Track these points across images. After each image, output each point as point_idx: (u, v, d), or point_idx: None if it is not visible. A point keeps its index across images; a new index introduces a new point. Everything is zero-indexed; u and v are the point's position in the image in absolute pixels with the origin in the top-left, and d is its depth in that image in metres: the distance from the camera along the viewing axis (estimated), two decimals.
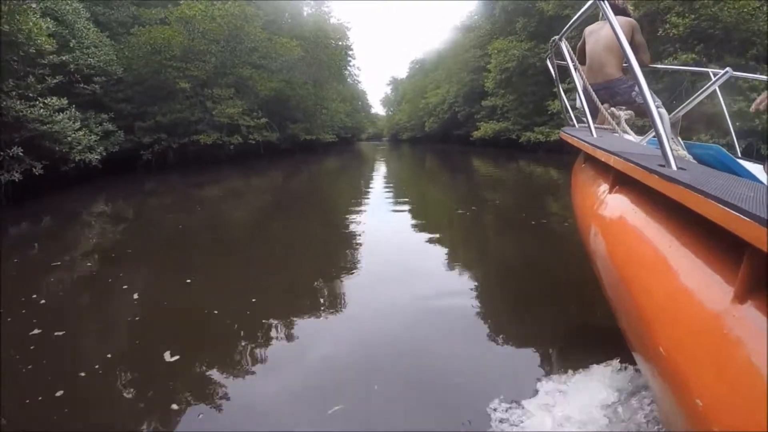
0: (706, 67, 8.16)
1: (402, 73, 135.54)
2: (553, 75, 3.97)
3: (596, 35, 3.99)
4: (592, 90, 3.45)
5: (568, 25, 2.99)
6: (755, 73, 3.83)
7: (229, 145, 21.23)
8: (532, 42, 26.40)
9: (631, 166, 1.67)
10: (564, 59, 3.29)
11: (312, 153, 31.49)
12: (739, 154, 3.33)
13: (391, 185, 15.67)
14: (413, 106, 63.81)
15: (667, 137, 1.58)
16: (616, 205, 1.99)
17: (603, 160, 2.13)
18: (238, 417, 2.74)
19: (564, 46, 3.19)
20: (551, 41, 3.46)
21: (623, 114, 3.46)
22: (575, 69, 3.24)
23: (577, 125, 3.92)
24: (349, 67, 42.30)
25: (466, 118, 39.56)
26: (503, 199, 11.92)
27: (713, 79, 3.04)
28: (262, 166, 22.40)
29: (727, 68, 2.81)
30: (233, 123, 21.17)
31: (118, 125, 17.13)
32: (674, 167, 1.49)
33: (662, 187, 1.38)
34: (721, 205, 1.05)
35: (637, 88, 3.05)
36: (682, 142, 2.99)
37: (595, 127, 2.95)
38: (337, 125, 39.22)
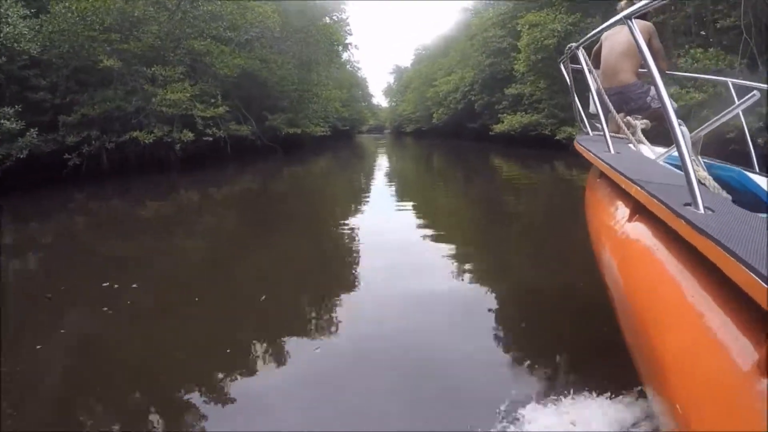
0: None
1: (406, 61, 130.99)
2: (568, 81, 3.84)
3: (612, 39, 4.03)
4: (606, 95, 3.46)
5: (588, 36, 3.05)
6: None
7: (178, 143, 16.00)
8: (576, 14, 21.17)
9: (654, 202, 1.62)
10: (579, 65, 3.19)
11: (298, 151, 26.20)
12: (757, 168, 3.30)
13: (394, 211, 10.67)
14: (419, 96, 58.31)
15: (692, 168, 1.51)
16: (635, 236, 1.92)
17: (623, 186, 2.08)
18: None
19: (581, 54, 3.13)
20: (567, 48, 3.45)
21: (639, 124, 3.53)
22: (590, 73, 3.11)
23: (591, 133, 3.87)
24: (347, 49, 37.06)
25: (484, 108, 34.14)
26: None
27: (731, 89, 3.29)
28: (224, 174, 17.41)
29: (754, 91, 2.56)
30: (187, 114, 16.03)
31: (34, 121, 13.20)
32: (701, 208, 1.44)
33: (688, 235, 1.32)
34: (751, 273, 1.00)
35: (652, 93, 3.72)
36: (702, 161, 2.76)
37: (611, 136, 2.90)
38: (332, 116, 33.85)
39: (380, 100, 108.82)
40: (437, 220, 9.31)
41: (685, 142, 1.82)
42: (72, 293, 5.29)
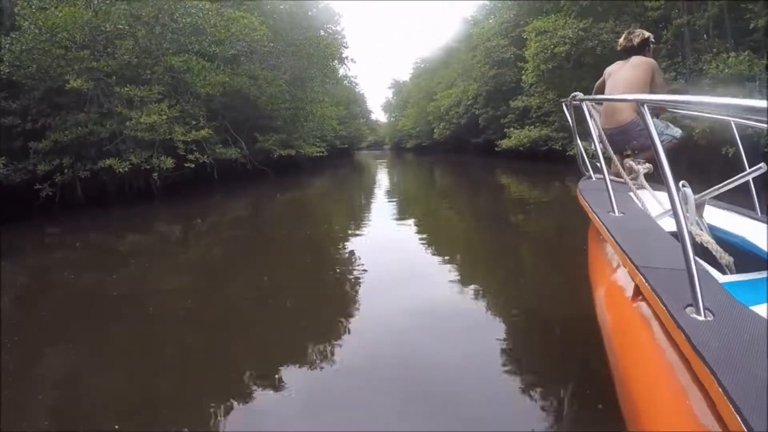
0: None
1: (404, 75, 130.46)
2: (570, 122, 3.80)
3: (615, 77, 4.09)
4: (605, 137, 3.55)
5: (593, 97, 3.50)
6: None
7: (158, 170, 14.50)
8: (587, 19, 19.85)
9: (655, 298, 1.59)
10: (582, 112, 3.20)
11: (293, 174, 24.72)
12: (758, 210, 3.15)
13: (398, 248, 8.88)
14: (419, 111, 57.27)
15: (694, 263, 1.44)
16: (637, 322, 1.84)
17: (622, 264, 2.10)
18: None
19: (585, 105, 3.12)
20: (572, 95, 3.31)
21: (642, 168, 3.56)
22: (592, 119, 3.14)
23: (593, 176, 3.84)
24: (343, 63, 35.68)
25: (489, 122, 32.83)
26: None
27: (733, 128, 3.12)
28: (210, 202, 15.97)
29: (761, 164, 2.53)
30: (167, 138, 14.59)
31: (2, 148, 12.57)
32: (701, 311, 1.40)
33: (683, 346, 1.33)
34: (733, 411, 1.03)
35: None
36: (706, 224, 2.72)
37: (612, 180, 2.92)
38: (329, 134, 32.48)
39: (379, 115, 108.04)
40: (443, 247, 8.65)
41: (688, 205, 2.46)
42: (51, 334, 5.06)
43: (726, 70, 14.36)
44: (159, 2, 14.59)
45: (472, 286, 6.04)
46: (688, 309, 1.44)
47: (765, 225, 2.86)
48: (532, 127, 26.00)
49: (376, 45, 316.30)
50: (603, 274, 2.61)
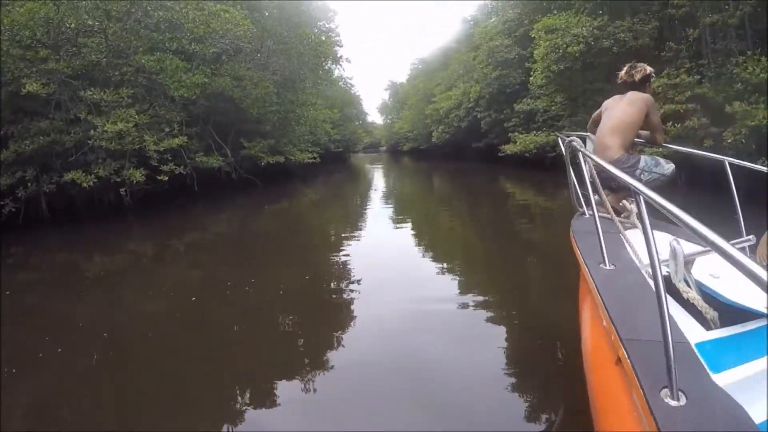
0: None
1: (401, 76, 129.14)
2: (565, 157, 3.87)
3: (610, 113, 4.08)
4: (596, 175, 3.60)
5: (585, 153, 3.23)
6: None
7: (128, 183, 13.05)
8: (602, 18, 18.41)
9: (634, 378, 1.63)
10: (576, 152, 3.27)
11: (283, 182, 23.23)
12: (744, 233, 3.30)
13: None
14: (416, 113, 55.78)
15: (672, 346, 1.50)
16: (618, 389, 1.93)
17: (607, 329, 2.09)
18: None
19: (579, 146, 3.24)
20: (569, 140, 3.47)
21: (633, 208, 3.55)
22: (585, 162, 3.09)
23: (587, 212, 3.74)
24: (338, 63, 34.18)
25: (492, 126, 31.36)
26: None
27: (728, 168, 3.32)
28: (190, 217, 14.59)
29: (751, 236, 2.86)
30: (139, 147, 13.11)
31: None
32: (675, 395, 1.46)
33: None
34: None
35: (642, 165, 3.86)
36: (694, 279, 2.62)
37: (600, 216, 2.89)
38: (323, 138, 30.98)
39: (375, 117, 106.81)
40: (444, 261, 8.58)
41: (677, 262, 2.35)
42: (13, 366, 4.73)
43: (762, 75, 13.03)
44: None
45: (479, 312, 5.83)
46: (663, 392, 1.49)
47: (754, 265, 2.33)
48: (539, 131, 24.57)
49: (372, 45, 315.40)
50: (592, 327, 2.67)
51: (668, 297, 2.03)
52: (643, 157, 3.98)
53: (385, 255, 9.24)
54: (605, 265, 2.61)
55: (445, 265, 8.34)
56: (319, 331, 5.48)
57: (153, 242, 11.62)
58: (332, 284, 7.56)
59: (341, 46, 35.85)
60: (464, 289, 6.83)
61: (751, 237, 2.77)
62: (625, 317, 2.01)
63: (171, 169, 13.57)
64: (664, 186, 4.02)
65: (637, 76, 4.06)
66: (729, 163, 3.42)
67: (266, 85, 17.48)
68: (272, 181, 21.69)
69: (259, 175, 20.12)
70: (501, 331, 5.29)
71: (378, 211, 15.88)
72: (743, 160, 3.25)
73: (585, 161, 3.03)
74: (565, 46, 18.67)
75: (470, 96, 33.27)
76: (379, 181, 32.10)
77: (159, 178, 13.33)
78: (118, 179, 12.95)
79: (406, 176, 35.65)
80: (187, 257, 10.23)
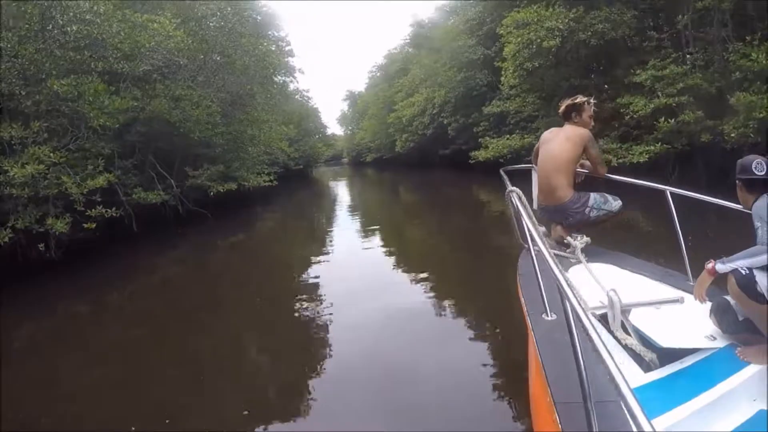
0: None
1: (359, 86, 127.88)
2: (512, 210, 3.53)
3: (547, 148, 4.20)
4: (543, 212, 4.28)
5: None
6: None
7: (51, 233, 10.90)
8: (577, 9, 16.96)
9: None
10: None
11: (237, 210, 21.07)
12: (690, 274, 3.52)
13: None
14: (378, 123, 54.21)
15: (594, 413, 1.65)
16: None
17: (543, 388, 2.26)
18: None
19: (515, 195, 3.30)
20: (509, 191, 3.46)
21: (579, 244, 3.93)
22: (527, 215, 3.06)
23: (533, 248, 3.22)
24: (291, 75, 32.39)
25: (459, 132, 29.87)
26: None
27: (669, 199, 3.54)
28: (128, 265, 12.42)
29: (682, 296, 3.00)
30: (60, 191, 10.99)
31: None
32: None
33: None
34: None
35: (591, 203, 4.07)
36: (632, 325, 2.91)
37: (548, 252, 2.67)
38: (281, 157, 28.87)
39: (335, 128, 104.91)
40: (419, 280, 8.41)
41: (614, 312, 2.79)
42: None
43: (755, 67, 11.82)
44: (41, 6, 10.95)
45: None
46: None
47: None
48: (512, 135, 23.09)
49: (327, 55, 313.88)
50: (534, 379, 2.71)
51: (612, 341, 2.73)
52: (592, 195, 4.13)
53: (355, 278, 9.03)
54: (547, 315, 2.68)
55: (418, 280, 8.37)
56: (294, 358, 5.67)
57: (86, 300, 9.58)
58: (300, 315, 7.34)
59: (293, 56, 34.11)
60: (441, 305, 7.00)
61: (682, 297, 2.97)
62: (560, 380, 2.09)
63: (100, 213, 11.43)
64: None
65: (561, 109, 4.30)
66: (671, 194, 3.58)
67: (208, 105, 15.44)
68: (227, 211, 19.65)
69: (210, 205, 18.03)
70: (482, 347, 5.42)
71: (344, 231, 15.39)
72: (756, 157, 2.86)
73: (529, 223, 2.98)
74: (539, 41, 17.18)
75: (435, 101, 31.69)
76: (343, 197, 30.69)
77: (85, 225, 11.16)
78: (41, 229, 10.80)
79: (370, 190, 34.81)
80: (128, 313, 8.71)
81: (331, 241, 13.87)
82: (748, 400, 2.43)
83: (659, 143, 14.41)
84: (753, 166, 2.78)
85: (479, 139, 25.34)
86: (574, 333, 1.88)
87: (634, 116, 14.84)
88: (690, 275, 3.51)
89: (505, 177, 4.38)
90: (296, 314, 7.31)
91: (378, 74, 63.23)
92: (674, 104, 13.62)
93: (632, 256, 4.16)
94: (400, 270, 9.58)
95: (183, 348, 6.37)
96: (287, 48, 28.12)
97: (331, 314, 6.94)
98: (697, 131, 13.48)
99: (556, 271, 2.54)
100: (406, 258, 10.62)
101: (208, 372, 5.49)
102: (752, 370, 2.52)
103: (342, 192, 36.27)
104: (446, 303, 6.96)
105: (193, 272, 11.76)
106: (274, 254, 13.60)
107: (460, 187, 24.44)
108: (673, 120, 13.65)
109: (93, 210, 11.28)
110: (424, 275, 8.58)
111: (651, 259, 4.19)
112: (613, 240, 5.39)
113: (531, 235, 2.90)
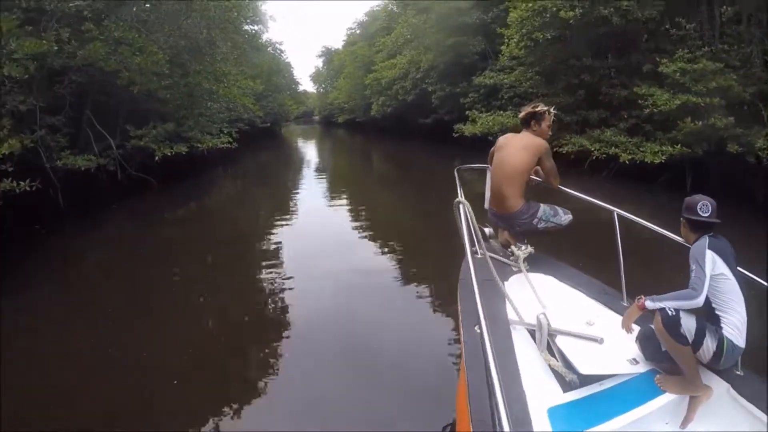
0: None
1: (336, 42, 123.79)
2: (460, 222, 3.49)
3: (502, 155, 4.20)
4: (494, 217, 4.40)
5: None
6: None
7: None
8: None
9: None
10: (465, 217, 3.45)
11: (191, 176, 18.57)
12: (624, 296, 3.74)
13: None
14: (353, 83, 51.19)
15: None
16: None
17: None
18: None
19: (462, 208, 3.47)
20: (457, 201, 3.62)
21: (521, 254, 4.05)
22: (472, 230, 3.43)
23: (479, 251, 3.72)
24: (260, 24, 29.35)
25: (443, 101, 27.59)
26: None
27: (616, 221, 3.74)
28: (52, 249, 9.90)
29: (603, 337, 3.09)
30: None
31: None
32: None
33: None
34: None
35: (539, 214, 4.13)
36: (557, 347, 3.06)
37: (491, 258, 3.51)
38: (245, 115, 26.02)
39: (308, 86, 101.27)
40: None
41: (542, 333, 2.96)
42: None
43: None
44: None
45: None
46: None
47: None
48: (503, 111, 20.95)
49: (302, 5, 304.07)
50: (461, 394, 2.89)
51: (538, 358, 2.94)
52: (542, 206, 4.19)
53: (319, 252, 9.08)
54: (479, 328, 2.61)
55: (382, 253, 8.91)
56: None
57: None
58: (262, 288, 7.48)
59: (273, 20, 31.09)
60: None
61: (600, 338, 3.08)
62: (481, 399, 2.27)
63: (9, 187, 8.93)
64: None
65: (521, 114, 4.34)
66: (618, 216, 3.79)
67: (154, 52, 12.77)
68: (180, 176, 17.16)
69: (159, 170, 15.49)
70: None
71: (308, 204, 14.54)
72: (703, 198, 3.06)
73: (467, 223, 3.28)
74: (554, 9, 14.93)
75: (420, 65, 28.97)
76: (311, 161, 29.05)
77: None
78: None
79: (341, 156, 33.40)
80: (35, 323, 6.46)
81: (292, 216, 13.11)
82: (661, 425, 2.78)
83: (678, 145, 12.54)
84: (698, 207, 3.03)
85: (466, 112, 23.12)
86: (488, 351, 2.03)
87: (655, 110, 12.83)
88: (625, 296, 3.71)
89: (457, 178, 4.61)
90: (256, 288, 7.53)
91: (357, 31, 59.85)
92: (703, 104, 11.73)
93: (573, 268, 4.20)
94: (366, 246, 9.73)
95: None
96: None
97: (292, 282, 7.41)
98: (724, 138, 11.67)
99: (498, 284, 3.33)
100: (373, 234, 10.48)
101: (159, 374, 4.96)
102: (668, 397, 2.80)
103: (311, 155, 34.76)
104: (405, 277, 7.50)
105: (126, 255, 9.56)
106: (228, 229, 11.86)
107: (440, 162, 22.20)
108: (699, 122, 11.80)
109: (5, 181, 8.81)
110: (387, 249, 9.15)
111: (592, 271, 4.22)
112: (557, 246, 5.38)
113: (473, 248, 3.39)
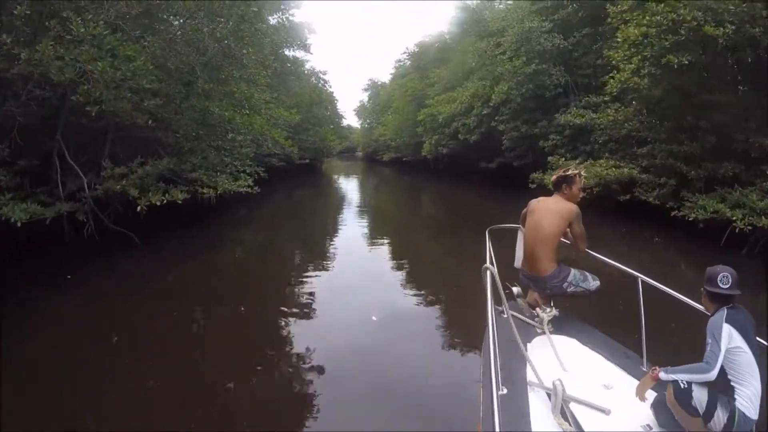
0: None
1: (383, 75, 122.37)
2: (488, 293, 3.41)
3: (535, 218, 4.41)
4: (525, 278, 4.60)
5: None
6: None
7: None
8: None
9: None
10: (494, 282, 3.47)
11: (193, 225, 14.69)
12: (645, 356, 3.83)
13: None
14: (402, 118, 47.65)
15: None
16: None
17: None
18: None
19: (489, 274, 3.42)
20: (484, 267, 3.57)
21: (546, 316, 4.20)
22: (496, 298, 3.40)
23: (505, 311, 3.88)
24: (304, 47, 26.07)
25: (517, 143, 23.33)
26: None
27: (639, 287, 3.93)
28: None
29: (610, 408, 3.12)
30: None
31: None
32: None
33: None
34: None
35: (570, 278, 4.28)
36: (571, 413, 3.08)
37: (513, 317, 3.68)
38: (275, 150, 21.84)
39: (351, 120, 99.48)
40: None
41: (557, 398, 2.99)
42: None
43: None
44: None
45: None
46: None
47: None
48: (601, 158, 16.75)
49: (347, 36, 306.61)
50: None
51: (553, 422, 2.96)
52: (572, 271, 4.35)
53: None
54: (498, 389, 2.77)
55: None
56: None
57: None
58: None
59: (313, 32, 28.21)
60: None
61: (607, 409, 3.11)
62: None
63: None
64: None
65: (552, 178, 4.58)
66: (642, 282, 3.94)
67: (130, 56, 8.90)
68: (179, 224, 13.36)
69: (147, 216, 11.47)
70: None
71: (347, 257, 12.55)
72: (725, 269, 3.10)
73: (492, 289, 3.32)
74: (695, 23, 10.88)
75: (491, 99, 24.31)
76: (354, 208, 24.58)
77: None
78: None
79: (387, 196, 31.42)
80: None
81: (325, 268, 11.60)
82: None
83: None
84: (719, 278, 3.07)
85: (548, 158, 18.93)
86: (497, 414, 2.18)
87: None
88: (645, 361, 3.82)
89: (488, 240, 4.94)
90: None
91: (407, 63, 56.52)
92: None
93: (596, 330, 4.34)
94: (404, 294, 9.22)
95: None
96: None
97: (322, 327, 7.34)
98: None
99: (521, 348, 3.48)
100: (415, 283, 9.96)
101: None
102: None
103: (352, 195, 32.08)
104: (442, 326, 7.48)
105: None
106: (244, 286, 10.06)
107: (501, 215, 17.96)
108: None
109: None
110: (426, 299, 8.85)
111: (616, 332, 4.34)
112: (582, 305, 5.47)
113: (499, 308, 3.77)
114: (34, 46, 7.99)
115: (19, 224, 8.13)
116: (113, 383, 5.59)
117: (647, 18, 12.35)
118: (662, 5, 12.00)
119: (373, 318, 6.19)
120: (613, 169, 15.54)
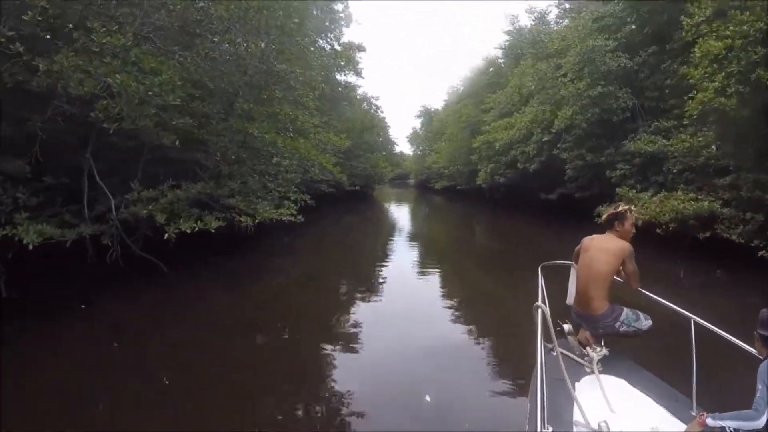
0: None
1: (436, 102, 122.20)
2: (539, 328, 3.49)
3: (588, 256, 4.40)
4: (576, 317, 4.56)
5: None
6: None
7: None
8: None
9: None
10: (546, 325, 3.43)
11: (230, 252, 14.13)
12: (694, 402, 3.71)
13: None
14: (455, 146, 46.56)
15: None
16: None
17: None
18: None
19: (540, 312, 3.42)
20: (536, 306, 3.55)
21: (596, 356, 4.15)
22: (546, 337, 3.42)
23: (556, 349, 3.70)
24: (352, 67, 25.40)
25: (581, 173, 21.67)
26: None
27: (692, 329, 3.88)
28: None
29: None
30: None
31: None
32: None
33: None
34: None
35: (622, 318, 4.26)
36: None
37: (562, 355, 3.63)
38: (322, 176, 20.94)
39: (404, 147, 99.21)
40: None
41: None
42: None
43: None
44: None
45: None
46: None
47: None
48: (671, 191, 15.27)
49: (400, 64, 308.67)
50: None
51: None
52: (625, 310, 4.32)
53: None
54: (544, 428, 2.71)
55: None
56: None
57: None
58: None
59: (363, 50, 27.56)
60: None
61: None
62: None
63: None
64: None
65: (604, 217, 4.60)
66: (695, 323, 3.85)
67: (156, 69, 8.15)
68: (212, 251, 12.68)
69: (183, 242, 10.63)
70: None
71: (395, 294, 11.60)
72: None
73: (543, 326, 3.35)
74: None
75: (553, 125, 22.81)
76: (403, 240, 23.36)
77: None
78: None
79: (438, 225, 30.63)
80: None
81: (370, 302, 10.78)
82: None
83: None
84: None
85: (617, 189, 17.48)
86: None
87: None
88: (694, 405, 3.72)
89: (540, 276, 4.92)
90: None
91: (461, 89, 55.66)
92: None
93: (646, 370, 4.26)
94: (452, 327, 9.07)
95: None
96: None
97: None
98: None
99: (575, 342, 3.85)
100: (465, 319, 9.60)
101: None
102: None
103: (403, 223, 31.35)
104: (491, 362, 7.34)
105: None
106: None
107: (564, 250, 16.58)
108: None
109: None
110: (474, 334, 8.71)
111: (667, 373, 4.25)
112: (634, 344, 5.05)
113: (545, 351, 3.61)
114: (53, 56, 7.43)
115: (30, 247, 7.48)
116: None
117: (731, 29, 11.02)
118: (747, 13, 10.73)
119: (427, 398, 5.68)
120: (692, 202, 14.06)
